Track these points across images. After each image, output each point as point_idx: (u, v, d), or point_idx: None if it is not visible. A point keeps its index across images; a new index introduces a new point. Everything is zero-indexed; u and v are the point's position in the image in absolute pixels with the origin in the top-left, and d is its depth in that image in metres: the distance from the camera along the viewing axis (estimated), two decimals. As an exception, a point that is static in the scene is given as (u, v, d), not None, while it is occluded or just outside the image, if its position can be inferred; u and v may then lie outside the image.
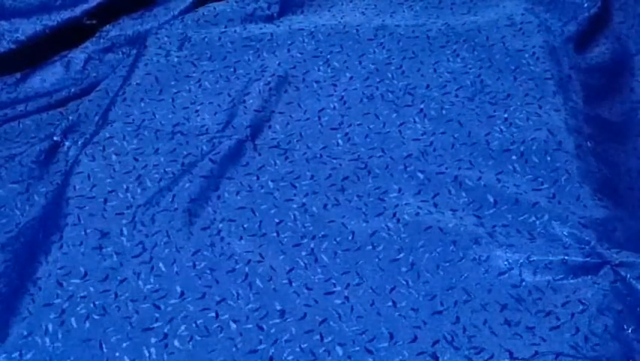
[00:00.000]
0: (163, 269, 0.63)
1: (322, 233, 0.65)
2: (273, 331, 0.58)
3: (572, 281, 0.59)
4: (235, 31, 0.91)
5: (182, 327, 0.59)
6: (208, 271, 0.63)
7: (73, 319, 0.60)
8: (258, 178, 0.71)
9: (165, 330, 0.59)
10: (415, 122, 0.75)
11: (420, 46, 0.85)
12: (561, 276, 0.59)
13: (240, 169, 0.72)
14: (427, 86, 0.80)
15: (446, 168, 0.70)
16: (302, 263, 0.63)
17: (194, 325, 0.59)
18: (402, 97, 0.79)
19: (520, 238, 0.62)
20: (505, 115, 0.75)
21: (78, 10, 0.92)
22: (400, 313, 0.58)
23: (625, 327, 0.56)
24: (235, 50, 0.88)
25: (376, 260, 0.62)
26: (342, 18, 0.93)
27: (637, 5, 0.91)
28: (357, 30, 0.89)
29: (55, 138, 0.81)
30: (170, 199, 0.69)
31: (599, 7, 0.90)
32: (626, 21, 0.90)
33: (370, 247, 0.63)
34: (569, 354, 0.54)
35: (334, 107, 0.78)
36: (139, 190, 0.71)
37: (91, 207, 0.69)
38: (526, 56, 0.82)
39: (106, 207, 0.69)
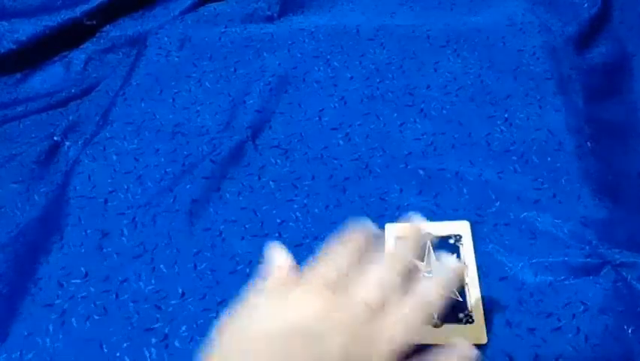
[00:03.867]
0: (164, 270, 0.63)
1: (324, 234, 0.65)
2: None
3: (573, 282, 0.59)
4: (235, 31, 0.91)
5: (183, 327, 0.59)
6: (209, 272, 0.63)
7: (73, 319, 0.60)
8: (259, 178, 0.71)
9: (166, 330, 0.59)
10: (415, 122, 0.75)
11: (420, 46, 0.85)
12: (562, 277, 0.59)
13: (241, 170, 0.72)
14: (428, 86, 0.80)
15: (447, 167, 0.70)
16: (302, 264, 0.63)
17: (194, 325, 0.59)
18: (402, 97, 0.79)
19: (521, 238, 0.62)
20: (506, 115, 0.75)
21: (78, 11, 0.91)
22: (401, 314, 0.58)
23: (625, 327, 0.56)
24: (235, 50, 0.88)
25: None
26: (342, 18, 0.93)
27: (636, 6, 0.91)
28: (357, 30, 0.89)
29: (55, 138, 0.81)
30: (171, 200, 0.69)
31: (599, 7, 0.90)
32: (625, 22, 0.90)
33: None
34: (569, 356, 0.54)
35: (335, 107, 0.78)
36: (139, 190, 0.71)
37: (91, 207, 0.69)
38: (527, 56, 0.82)
39: (106, 208, 0.69)
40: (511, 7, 0.90)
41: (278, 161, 0.73)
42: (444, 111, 0.76)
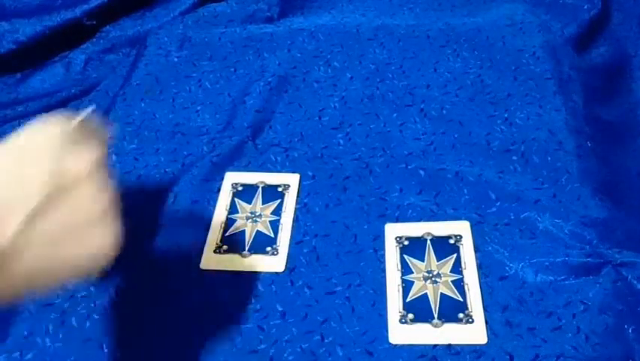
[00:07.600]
0: (164, 269, 0.63)
1: (324, 233, 0.65)
2: (273, 331, 0.58)
3: (573, 282, 0.59)
4: (235, 31, 0.91)
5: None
6: (209, 271, 0.63)
7: (73, 319, 0.60)
8: (259, 178, 0.71)
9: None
10: (415, 121, 0.75)
11: (420, 46, 0.85)
12: (563, 277, 0.59)
13: (241, 169, 0.72)
14: (428, 85, 0.80)
15: (447, 167, 0.70)
16: (303, 262, 0.63)
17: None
18: (402, 97, 0.79)
19: (521, 238, 0.62)
20: (506, 115, 0.75)
21: (78, 11, 0.91)
22: (402, 314, 0.58)
23: (625, 327, 0.56)
24: (235, 50, 0.88)
25: (378, 262, 0.62)
26: (342, 19, 0.93)
27: (636, 8, 0.91)
28: (357, 30, 0.89)
29: (55, 138, 0.81)
30: (171, 200, 0.69)
31: (598, 9, 0.90)
32: (624, 23, 0.90)
33: (372, 248, 0.63)
34: (570, 356, 0.54)
35: (335, 107, 0.78)
36: (139, 190, 0.71)
37: (91, 207, 0.69)
38: (527, 55, 0.82)
39: (106, 208, 0.69)
40: (511, 8, 0.91)
41: (278, 160, 0.73)
42: (444, 111, 0.76)
